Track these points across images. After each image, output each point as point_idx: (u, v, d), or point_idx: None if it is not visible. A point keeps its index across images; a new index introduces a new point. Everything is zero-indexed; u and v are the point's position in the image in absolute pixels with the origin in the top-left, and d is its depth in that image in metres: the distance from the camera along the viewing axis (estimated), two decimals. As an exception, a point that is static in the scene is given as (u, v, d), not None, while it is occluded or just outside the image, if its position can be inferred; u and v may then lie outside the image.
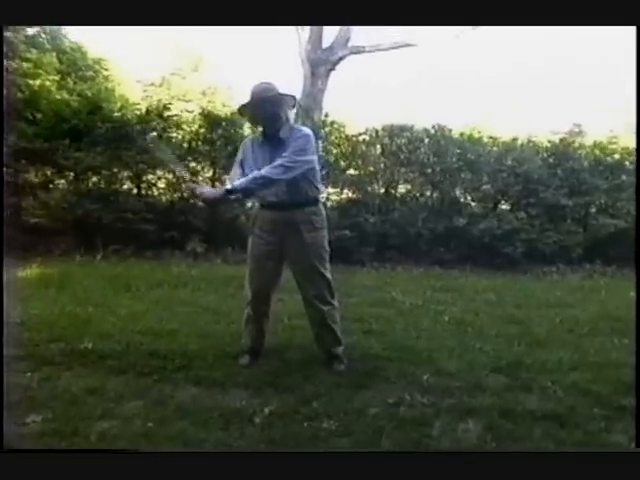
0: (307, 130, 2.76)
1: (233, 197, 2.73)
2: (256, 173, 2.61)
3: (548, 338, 3.42)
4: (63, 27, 15.67)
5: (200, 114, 6.58)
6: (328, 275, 2.82)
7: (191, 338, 3.27)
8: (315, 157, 2.76)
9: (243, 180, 2.62)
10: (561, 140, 6.48)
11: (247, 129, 6.28)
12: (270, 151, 2.71)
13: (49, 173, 6.48)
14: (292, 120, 2.89)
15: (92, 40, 16.39)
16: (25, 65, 13.19)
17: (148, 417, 2.28)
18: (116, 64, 17.07)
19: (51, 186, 6.53)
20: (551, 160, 6.40)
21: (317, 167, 2.80)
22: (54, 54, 14.63)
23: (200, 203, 2.65)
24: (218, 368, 2.82)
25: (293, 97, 2.81)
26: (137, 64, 18.30)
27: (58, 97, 6.99)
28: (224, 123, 6.45)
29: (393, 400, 2.49)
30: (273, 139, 2.72)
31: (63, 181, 6.55)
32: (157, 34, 20.88)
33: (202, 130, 6.56)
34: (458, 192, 6.28)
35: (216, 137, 6.53)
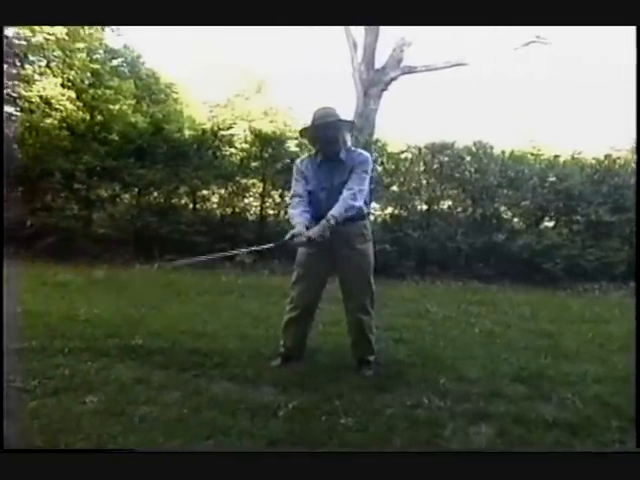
0: (366, 153, 2.96)
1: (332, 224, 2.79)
2: (346, 204, 2.76)
3: (577, 352, 3.41)
4: (142, 56, 17.06)
5: (251, 133, 6.99)
6: (373, 286, 2.99)
7: (230, 339, 3.53)
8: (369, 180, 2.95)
9: (340, 211, 2.76)
10: (606, 156, 6.34)
11: (294, 147, 6.61)
12: (331, 171, 2.90)
13: (116, 189, 7.10)
14: (349, 143, 3.00)
15: (163, 65, 17.51)
16: (108, 92, 14.46)
17: (184, 405, 2.52)
18: (185, 87, 18.22)
19: (117, 200, 7.15)
20: (595, 177, 6.26)
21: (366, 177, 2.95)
22: (132, 81, 15.91)
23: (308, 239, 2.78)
24: (251, 367, 3.03)
25: (352, 122, 3.03)
26: (204, 86, 19.34)
27: (132, 119, 7.66)
28: (273, 142, 6.81)
29: (411, 402, 2.60)
30: (333, 160, 2.90)
31: (128, 196, 7.14)
32: (223, 57, 22.02)
33: (253, 148, 6.96)
34: (498, 208, 6.25)
35: (267, 155, 6.91)
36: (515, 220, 6.35)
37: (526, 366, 3.11)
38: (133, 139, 6.87)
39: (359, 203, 2.83)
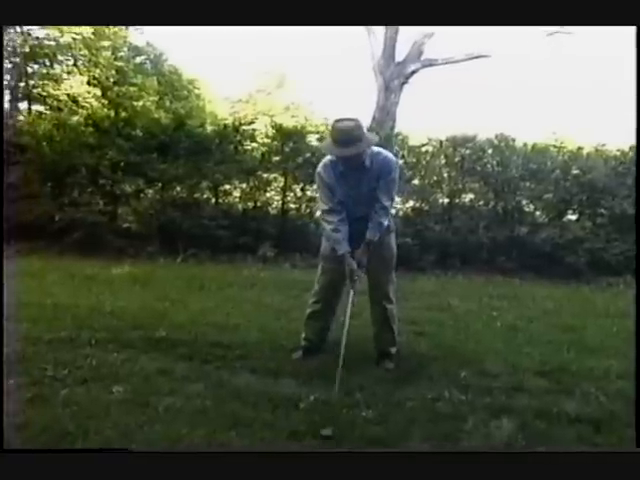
0: (391, 158, 2.88)
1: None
2: (380, 227, 2.82)
3: (601, 347, 3.35)
4: (164, 53, 17.34)
5: (272, 127, 7.02)
6: (394, 276, 3.04)
7: (252, 332, 3.57)
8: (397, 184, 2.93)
9: (375, 233, 2.81)
10: (630, 148, 6.16)
11: (315, 141, 6.62)
12: (356, 180, 2.81)
13: (140, 183, 7.23)
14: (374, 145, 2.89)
15: (186, 61, 17.73)
16: (132, 89, 14.71)
17: (207, 397, 2.57)
18: (206, 83, 18.42)
19: (142, 195, 7.27)
20: (620, 169, 6.11)
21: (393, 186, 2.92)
22: (155, 78, 16.16)
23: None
24: (273, 359, 3.07)
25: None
26: (225, 82, 19.46)
27: (156, 116, 7.77)
28: (294, 137, 6.83)
29: (432, 396, 2.60)
30: (357, 168, 2.79)
31: (152, 191, 7.26)
32: (244, 53, 22.16)
33: (274, 143, 6.99)
34: (521, 201, 6.16)
35: (288, 149, 6.93)
36: (537, 213, 6.25)
37: (549, 360, 3.08)
38: (156, 134, 6.97)
39: (389, 218, 2.87)
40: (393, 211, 6.27)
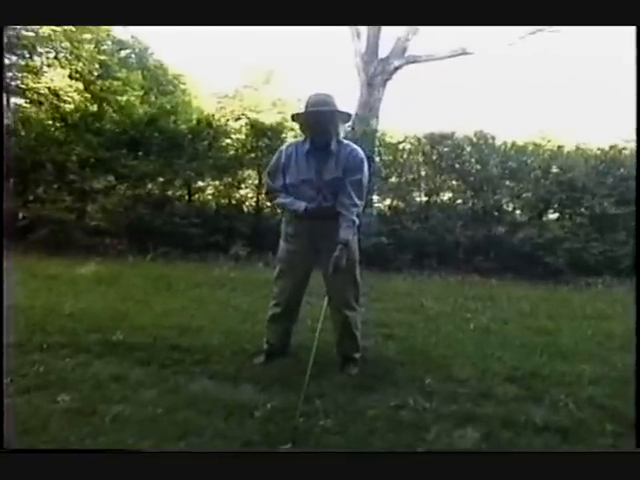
0: (359, 151, 2.75)
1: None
2: (352, 227, 2.66)
3: (574, 350, 3.27)
4: (149, 47, 17.08)
5: (246, 124, 6.86)
6: (359, 280, 2.88)
7: (214, 335, 3.42)
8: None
9: (349, 233, 2.65)
10: (611, 147, 6.13)
11: (291, 138, 6.47)
12: (318, 162, 2.72)
13: (110, 180, 7.01)
14: (342, 134, 2.85)
15: (171, 56, 17.55)
16: (115, 83, 14.42)
17: (159, 404, 2.43)
18: (193, 79, 18.22)
19: (111, 192, 7.04)
20: (600, 167, 6.07)
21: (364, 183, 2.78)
22: (140, 72, 15.89)
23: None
24: (233, 364, 2.94)
25: (349, 114, 2.82)
26: (212, 78, 19.30)
27: (140, 111, 7.53)
28: (269, 133, 6.68)
29: (395, 403, 2.50)
30: (321, 151, 2.71)
31: (122, 187, 7.04)
32: (232, 49, 21.97)
33: (249, 139, 6.83)
34: (500, 200, 6.08)
35: (263, 145, 6.78)
36: (518, 212, 6.18)
37: (520, 365, 2.99)
38: (126, 130, 6.76)
39: (357, 216, 2.70)
40: (370, 210, 6.28)
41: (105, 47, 16.05)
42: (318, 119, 2.66)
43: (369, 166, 2.88)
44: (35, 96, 13.30)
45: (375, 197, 6.61)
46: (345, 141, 2.80)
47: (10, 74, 14.43)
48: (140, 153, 6.71)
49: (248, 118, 7.11)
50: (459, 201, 6.34)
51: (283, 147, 2.89)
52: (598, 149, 6.31)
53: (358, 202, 2.70)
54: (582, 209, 5.93)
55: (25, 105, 12.41)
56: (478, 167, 6.10)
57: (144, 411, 2.37)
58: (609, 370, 2.92)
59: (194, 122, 6.93)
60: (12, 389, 2.50)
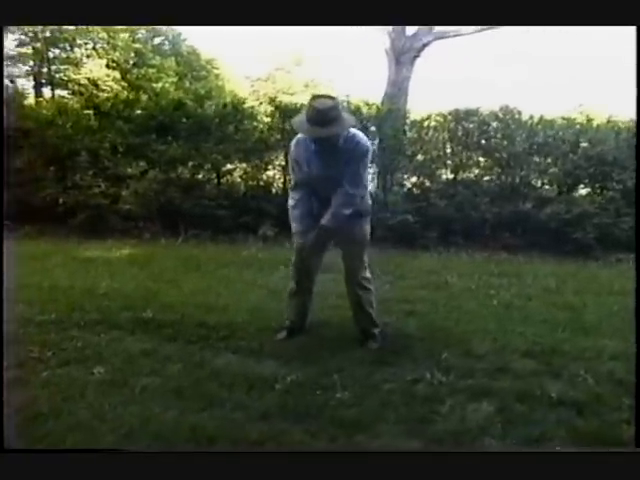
0: (365, 141, 2.74)
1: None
2: (339, 215, 2.73)
3: (598, 326, 3.22)
4: (183, 33, 17.23)
5: (271, 105, 6.90)
6: (367, 261, 2.95)
7: (240, 313, 3.53)
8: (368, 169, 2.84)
9: (333, 221, 2.73)
10: (643, 118, 5.83)
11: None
12: (329, 159, 2.69)
13: (141, 164, 7.21)
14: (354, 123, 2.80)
15: (204, 41, 17.69)
16: (150, 71, 14.68)
17: (185, 377, 2.56)
18: (225, 63, 18.31)
19: (144, 177, 7.25)
20: (633, 140, 5.80)
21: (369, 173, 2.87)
22: (173, 58, 16.10)
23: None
24: (257, 340, 3.05)
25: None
26: (244, 61, 19.37)
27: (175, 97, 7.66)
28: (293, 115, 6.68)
29: (412, 377, 2.54)
30: (330, 149, 2.68)
31: (153, 172, 7.23)
32: (262, 31, 21.86)
33: (274, 120, 6.87)
34: (528, 176, 5.93)
35: (289, 128, 6.80)
36: (546, 188, 6.02)
37: (540, 340, 2.97)
38: (155, 115, 6.91)
39: (351, 209, 2.73)
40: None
41: (139, 35, 16.29)
42: (322, 130, 2.58)
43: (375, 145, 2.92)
44: (76, 87, 13.72)
45: (401, 175, 6.58)
46: (352, 131, 2.73)
47: (54, 67, 14.91)
48: (169, 138, 6.85)
49: (273, 100, 7.11)
50: (485, 178, 6.23)
51: (292, 144, 2.87)
52: (631, 120, 6.03)
53: (351, 192, 2.71)
54: (613, 183, 5.71)
55: (67, 96, 12.82)
56: (505, 143, 5.96)
57: (171, 383, 2.49)
58: (631, 346, 2.86)
59: (221, 106, 7.00)
60: (54, 362, 2.70)
